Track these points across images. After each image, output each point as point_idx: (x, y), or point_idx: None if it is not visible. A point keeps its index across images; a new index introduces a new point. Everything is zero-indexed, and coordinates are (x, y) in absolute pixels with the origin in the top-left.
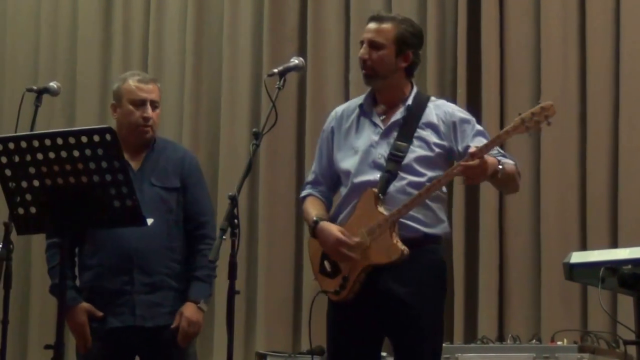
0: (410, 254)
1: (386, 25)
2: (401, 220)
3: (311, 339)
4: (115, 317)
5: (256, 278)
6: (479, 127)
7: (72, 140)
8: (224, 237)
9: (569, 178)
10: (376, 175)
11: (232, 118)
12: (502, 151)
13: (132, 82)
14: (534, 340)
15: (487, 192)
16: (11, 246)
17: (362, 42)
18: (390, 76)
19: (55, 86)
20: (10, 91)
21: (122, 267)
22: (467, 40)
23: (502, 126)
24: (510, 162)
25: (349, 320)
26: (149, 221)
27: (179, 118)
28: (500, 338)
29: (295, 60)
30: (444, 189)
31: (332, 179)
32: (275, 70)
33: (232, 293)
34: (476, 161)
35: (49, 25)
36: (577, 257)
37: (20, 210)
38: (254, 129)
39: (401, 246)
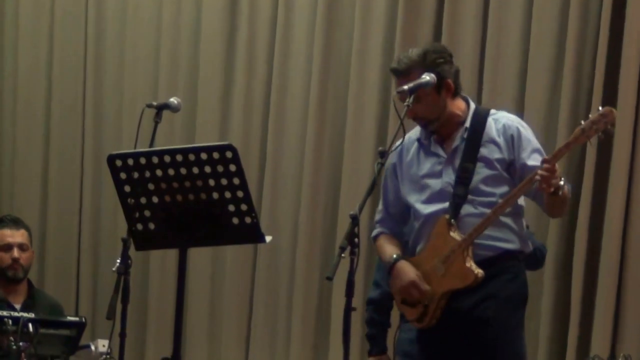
0: (490, 272)
1: (413, 75)
2: (477, 240)
3: None
4: None
5: None
6: (536, 144)
7: (191, 157)
8: (342, 255)
9: None
10: (445, 204)
11: (357, 136)
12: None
13: None
14: None
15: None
16: (129, 262)
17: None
18: (442, 114)
19: (175, 102)
20: (129, 107)
21: None
22: (607, 47)
23: (635, 135)
24: (568, 185)
25: (436, 345)
26: (268, 239)
27: (302, 130)
28: (612, 357)
29: (426, 77)
30: (520, 201)
31: (401, 213)
32: (405, 87)
33: (348, 310)
34: (547, 167)
35: (169, 39)
36: None
37: (139, 226)
38: (380, 148)
39: (475, 269)
